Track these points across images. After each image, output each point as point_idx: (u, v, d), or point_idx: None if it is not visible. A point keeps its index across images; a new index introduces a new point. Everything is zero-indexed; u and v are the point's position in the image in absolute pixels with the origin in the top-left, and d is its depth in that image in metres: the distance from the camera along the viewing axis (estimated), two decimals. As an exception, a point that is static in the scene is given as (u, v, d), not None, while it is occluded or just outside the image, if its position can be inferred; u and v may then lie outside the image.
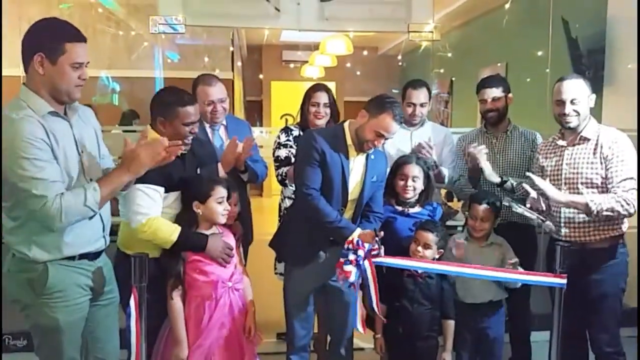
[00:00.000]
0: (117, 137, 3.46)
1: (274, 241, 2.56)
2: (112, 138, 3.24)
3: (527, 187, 2.47)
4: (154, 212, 2.14)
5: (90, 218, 1.89)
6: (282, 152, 2.94)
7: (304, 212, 2.34)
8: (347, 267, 2.16)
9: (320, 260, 2.40)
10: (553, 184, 2.47)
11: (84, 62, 1.85)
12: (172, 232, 2.15)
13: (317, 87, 2.98)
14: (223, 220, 2.25)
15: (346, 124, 2.39)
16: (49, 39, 1.81)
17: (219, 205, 2.22)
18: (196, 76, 2.84)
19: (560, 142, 2.52)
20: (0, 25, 2.42)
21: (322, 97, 2.94)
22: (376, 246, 2.22)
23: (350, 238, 2.20)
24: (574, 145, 2.48)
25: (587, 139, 2.44)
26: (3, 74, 2.48)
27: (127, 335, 1.90)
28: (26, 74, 1.86)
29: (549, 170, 2.54)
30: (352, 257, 2.17)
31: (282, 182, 2.97)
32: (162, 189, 2.17)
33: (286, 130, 3.03)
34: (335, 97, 3.04)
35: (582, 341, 2.61)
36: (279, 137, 3.02)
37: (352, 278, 2.15)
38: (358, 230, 2.28)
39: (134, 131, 3.54)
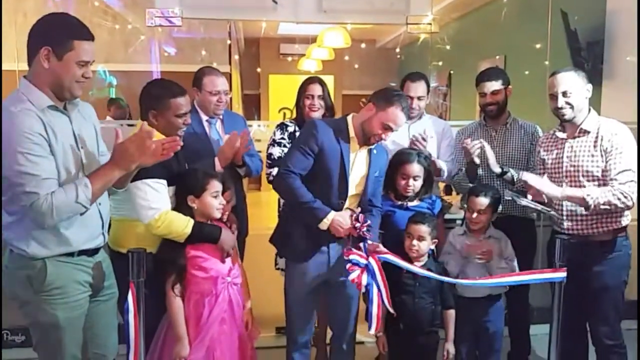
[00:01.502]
0: (111, 131, 3.43)
1: (275, 237, 2.52)
2: (106, 131, 3.22)
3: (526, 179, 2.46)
4: (164, 205, 2.11)
5: (82, 214, 1.86)
6: (275, 151, 2.93)
7: (280, 192, 2.36)
8: (352, 275, 2.17)
9: (323, 256, 2.38)
10: (554, 177, 2.46)
11: (90, 60, 1.84)
12: (185, 224, 2.12)
13: (311, 80, 2.98)
14: (218, 214, 2.23)
15: (349, 117, 2.37)
16: (57, 34, 1.79)
17: (214, 199, 2.20)
18: (193, 69, 2.83)
19: (561, 135, 2.52)
20: (0, 20, 2.41)
21: (316, 89, 2.92)
22: (367, 234, 2.21)
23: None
24: (574, 137, 2.47)
25: (587, 132, 2.43)
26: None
27: (125, 330, 1.89)
28: (29, 66, 1.83)
29: (549, 163, 2.54)
30: (348, 265, 2.19)
31: (271, 182, 2.94)
32: (165, 182, 2.14)
33: (282, 126, 3.01)
34: (331, 90, 3.03)
35: (582, 334, 2.61)
36: (274, 134, 3.01)
37: (365, 281, 2.17)
38: (332, 214, 2.25)
39: (132, 125, 3.52)
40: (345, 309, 2.49)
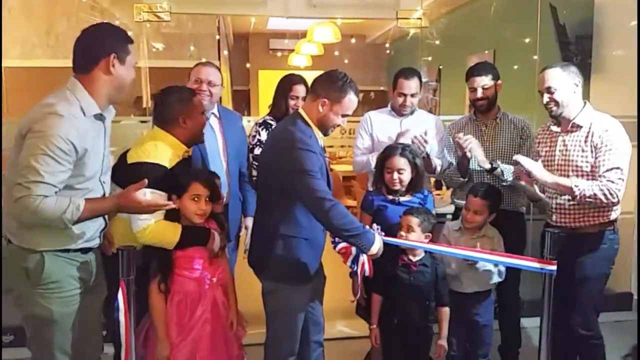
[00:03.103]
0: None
1: (271, 263, 2.21)
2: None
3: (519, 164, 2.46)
4: (156, 216, 2.10)
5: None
6: None
7: (336, 223, 2.07)
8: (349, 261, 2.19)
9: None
10: (546, 170, 2.47)
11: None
12: (174, 232, 2.11)
13: (296, 80, 2.98)
14: (197, 220, 2.16)
15: (303, 114, 2.22)
16: (119, 40, 1.94)
17: (193, 203, 2.13)
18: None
19: (555, 129, 2.53)
20: (0, 19, 2.41)
21: (301, 91, 2.95)
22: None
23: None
24: (567, 132, 2.48)
25: (579, 127, 2.44)
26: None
27: (115, 328, 1.88)
28: (82, 73, 1.90)
29: (543, 156, 2.55)
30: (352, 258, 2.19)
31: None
32: (165, 194, 2.12)
33: (266, 125, 3.00)
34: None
35: (570, 327, 2.63)
36: (258, 134, 2.98)
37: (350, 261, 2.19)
38: (378, 236, 2.16)
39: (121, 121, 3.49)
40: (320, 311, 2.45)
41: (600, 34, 3.64)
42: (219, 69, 2.83)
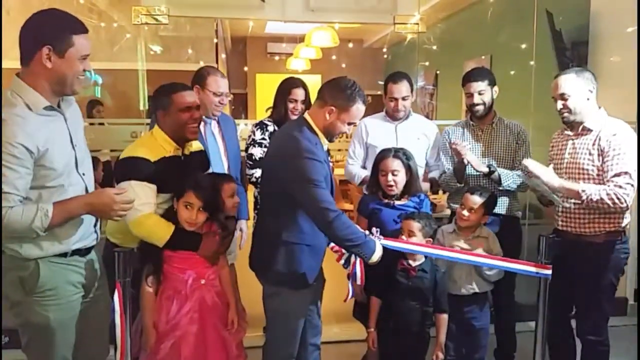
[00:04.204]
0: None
1: (272, 268, 2.21)
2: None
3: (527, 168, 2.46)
4: (147, 208, 2.11)
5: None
6: (257, 152, 2.94)
7: (340, 234, 2.09)
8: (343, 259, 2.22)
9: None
10: (556, 173, 2.48)
11: (89, 53, 1.82)
12: (166, 230, 2.12)
13: (295, 84, 3.01)
14: (186, 226, 2.16)
15: (309, 120, 2.19)
16: (57, 31, 1.74)
17: (185, 210, 2.14)
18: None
19: (567, 132, 2.54)
20: (0, 19, 2.38)
21: (300, 94, 2.99)
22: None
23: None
24: (577, 135, 2.48)
25: (590, 130, 2.44)
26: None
27: (111, 330, 1.88)
28: (23, 65, 1.78)
29: (555, 160, 2.56)
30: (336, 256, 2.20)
31: (255, 184, 2.94)
32: (154, 187, 2.14)
33: (261, 126, 3.02)
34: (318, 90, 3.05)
35: (568, 330, 2.64)
36: (253, 133, 3.02)
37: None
38: (379, 248, 2.17)
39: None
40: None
41: (596, 40, 3.66)
42: None
